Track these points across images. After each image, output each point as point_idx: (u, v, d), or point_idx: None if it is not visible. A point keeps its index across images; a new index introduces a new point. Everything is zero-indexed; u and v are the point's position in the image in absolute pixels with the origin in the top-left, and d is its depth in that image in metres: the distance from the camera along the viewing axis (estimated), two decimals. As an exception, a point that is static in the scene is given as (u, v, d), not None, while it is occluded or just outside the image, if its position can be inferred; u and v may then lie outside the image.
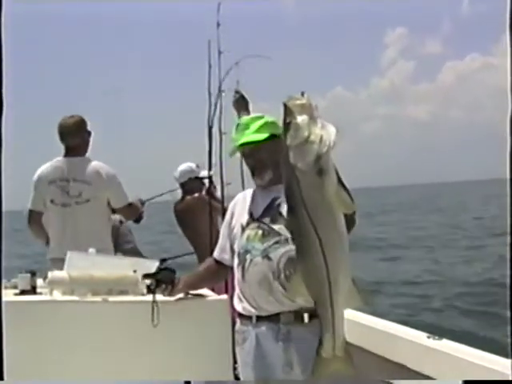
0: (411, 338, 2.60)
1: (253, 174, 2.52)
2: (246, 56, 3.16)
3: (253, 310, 2.40)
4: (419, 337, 2.61)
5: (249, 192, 2.63)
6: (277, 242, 2.36)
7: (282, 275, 2.32)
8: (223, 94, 3.43)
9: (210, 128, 3.46)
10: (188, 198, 4.78)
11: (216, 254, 2.69)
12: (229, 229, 2.60)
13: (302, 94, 1.94)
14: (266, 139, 2.43)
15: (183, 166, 4.71)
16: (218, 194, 4.01)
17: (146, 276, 2.84)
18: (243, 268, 2.42)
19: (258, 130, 2.45)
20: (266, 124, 2.47)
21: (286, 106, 1.91)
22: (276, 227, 2.38)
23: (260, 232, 2.41)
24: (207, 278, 2.78)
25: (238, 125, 2.51)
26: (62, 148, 4.08)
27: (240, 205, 2.60)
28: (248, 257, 2.40)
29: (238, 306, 2.49)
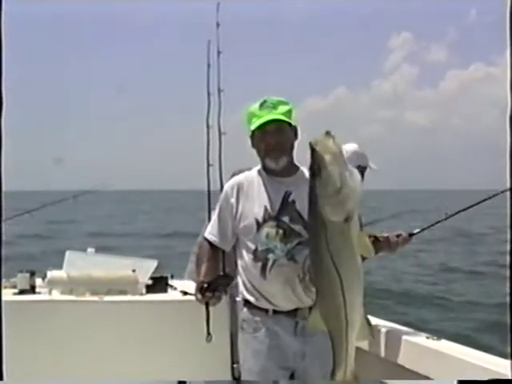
0: (410, 338, 2.60)
1: (266, 156, 2.45)
2: None
3: (270, 306, 2.41)
4: (418, 337, 2.61)
5: (253, 177, 2.53)
6: (299, 243, 2.35)
7: (307, 278, 2.33)
8: (222, 94, 3.43)
9: (209, 128, 3.45)
10: None
11: (215, 239, 2.55)
12: (232, 213, 2.48)
13: (328, 133, 1.98)
14: (291, 125, 2.44)
15: (352, 146, 3.34)
16: None
17: (207, 288, 2.46)
18: (264, 267, 2.38)
19: (285, 114, 2.43)
20: (290, 111, 2.46)
21: (315, 150, 1.96)
22: (296, 227, 2.36)
23: (281, 231, 2.37)
24: (216, 265, 2.61)
25: (264, 102, 2.44)
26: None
27: (246, 191, 2.49)
28: (271, 256, 2.36)
29: (250, 297, 2.46)
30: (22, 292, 3.27)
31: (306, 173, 2.36)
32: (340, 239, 1.98)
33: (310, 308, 2.35)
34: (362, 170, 3.15)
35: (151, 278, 3.41)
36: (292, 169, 2.49)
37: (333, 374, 2.11)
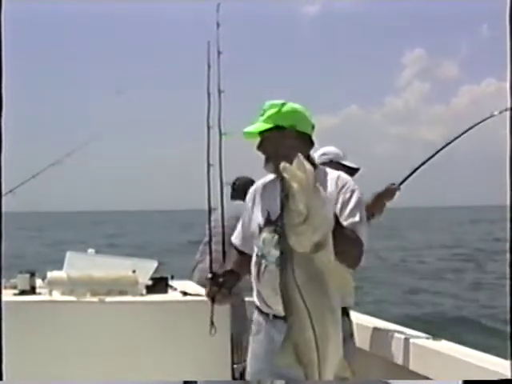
0: (410, 338, 2.60)
1: (264, 164, 2.45)
2: None
3: (270, 310, 2.41)
4: (419, 337, 2.61)
5: (267, 181, 2.56)
6: None
7: None
8: (222, 95, 3.44)
9: (209, 128, 3.46)
10: None
11: (236, 242, 2.63)
12: (249, 218, 2.55)
13: (299, 158, 1.92)
14: (265, 130, 2.38)
15: (327, 148, 3.62)
16: None
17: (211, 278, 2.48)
18: (258, 271, 2.42)
19: (271, 117, 2.39)
20: (277, 114, 2.39)
21: (283, 177, 1.88)
22: None
23: (276, 237, 2.33)
24: (239, 268, 2.61)
25: (263, 107, 2.44)
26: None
27: (258, 195, 2.56)
28: (263, 262, 2.39)
29: (256, 300, 2.50)
30: (22, 293, 3.27)
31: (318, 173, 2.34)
32: (308, 270, 1.88)
33: None
34: (350, 172, 3.15)
35: (151, 279, 3.41)
36: None
37: None
